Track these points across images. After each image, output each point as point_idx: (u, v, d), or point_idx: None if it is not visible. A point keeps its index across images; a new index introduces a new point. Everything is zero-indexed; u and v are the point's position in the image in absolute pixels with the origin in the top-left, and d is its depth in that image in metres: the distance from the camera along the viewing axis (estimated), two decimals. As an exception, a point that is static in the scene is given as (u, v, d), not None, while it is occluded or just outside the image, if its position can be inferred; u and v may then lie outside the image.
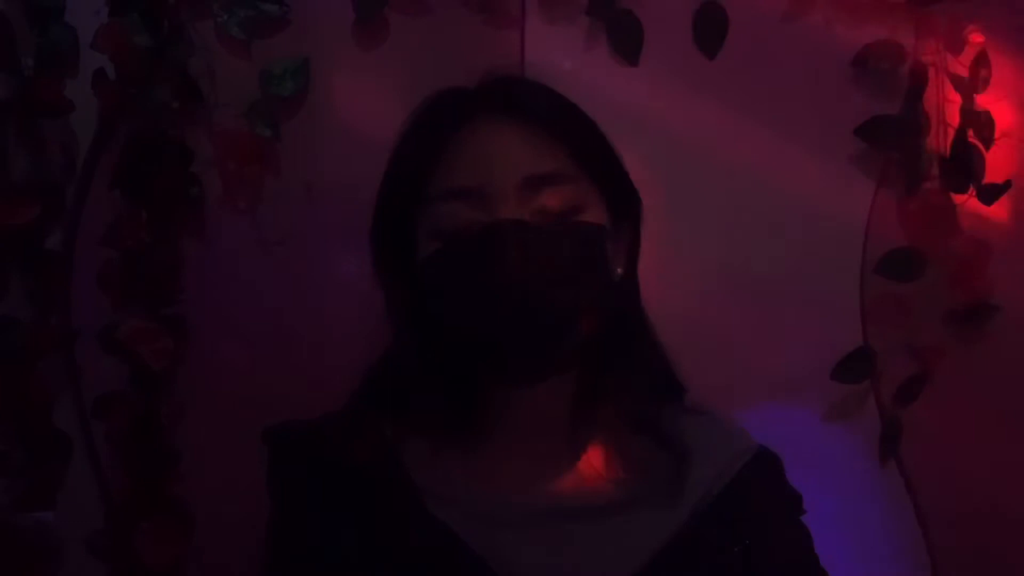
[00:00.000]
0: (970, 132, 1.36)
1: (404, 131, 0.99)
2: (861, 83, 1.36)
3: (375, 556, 0.91)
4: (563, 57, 1.31)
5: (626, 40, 1.33)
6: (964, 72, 1.36)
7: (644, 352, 0.99)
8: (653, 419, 0.97)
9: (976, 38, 1.37)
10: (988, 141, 1.37)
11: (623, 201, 0.98)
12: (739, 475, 0.97)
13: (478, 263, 0.88)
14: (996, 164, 1.37)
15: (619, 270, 0.97)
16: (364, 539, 0.92)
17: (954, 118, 1.36)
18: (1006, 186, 1.37)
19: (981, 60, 1.36)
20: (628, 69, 1.33)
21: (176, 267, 1.27)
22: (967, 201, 1.37)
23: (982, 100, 1.37)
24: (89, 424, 1.28)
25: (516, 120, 0.93)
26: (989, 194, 1.37)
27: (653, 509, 0.94)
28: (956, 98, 1.36)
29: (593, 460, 0.96)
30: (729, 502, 0.95)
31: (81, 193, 1.28)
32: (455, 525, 0.92)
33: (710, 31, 1.33)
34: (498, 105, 0.94)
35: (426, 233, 0.93)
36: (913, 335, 1.37)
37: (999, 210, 1.38)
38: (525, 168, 0.91)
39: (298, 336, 1.30)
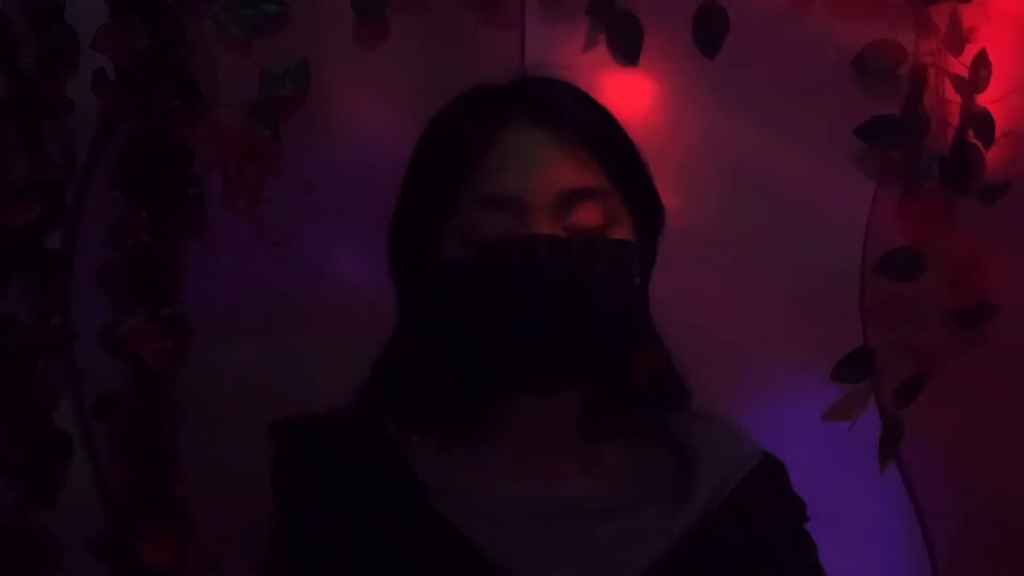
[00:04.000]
0: (970, 132, 1.36)
1: (434, 131, 0.97)
2: (861, 83, 1.36)
3: (380, 553, 0.91)
4: (563, 57, 1.31)
5: (626, 40, 1.33)
6: (964, 72, 1.36)
7: (651, 358, 0.99)
8: (660, 424, 0.97)
9: (976, 38, 1.37)
10: (988, 141, 1.37)
11: (650, 215, 0.98)
12: (744, 481, 0.97)
13: (509, 275, 0.88)
14: (996, 164, 1.37)
15: (637, 278, 0.97)
16: (369, 536, 0.92)
17: (954, 118, 1.36)
18: (1006, 186, 1.37)
19: (981, 60, 1.36)
20: (628, 69, 1.33)
21: (176, 267, 1.27)
22: (967, 201, 1.37)
23: (982, 100, 1.37)
24: (89, 424, 1.28)
25: (556, 129, 0.92)
26: (989, 194, 1.37)
27: (658, 513, 0.94)
28: (956, 98, 1.36)
29: (600, 462, 0.96)
30: (734, 508, 0.95)
31: (81, 193, 1.28)
32: (461, 523, 0.92)
33: (710, 31, 1.33)
34: (536, 111, 0.93)
35: (454, 236, 0.92)
36: (913, 335, 1.37)
37: (999, 210, 1.38)
38: (564, 182, 0.90)
39: (299, 336, 1.30)
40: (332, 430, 0.98)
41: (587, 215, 0.91)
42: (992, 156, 1.37)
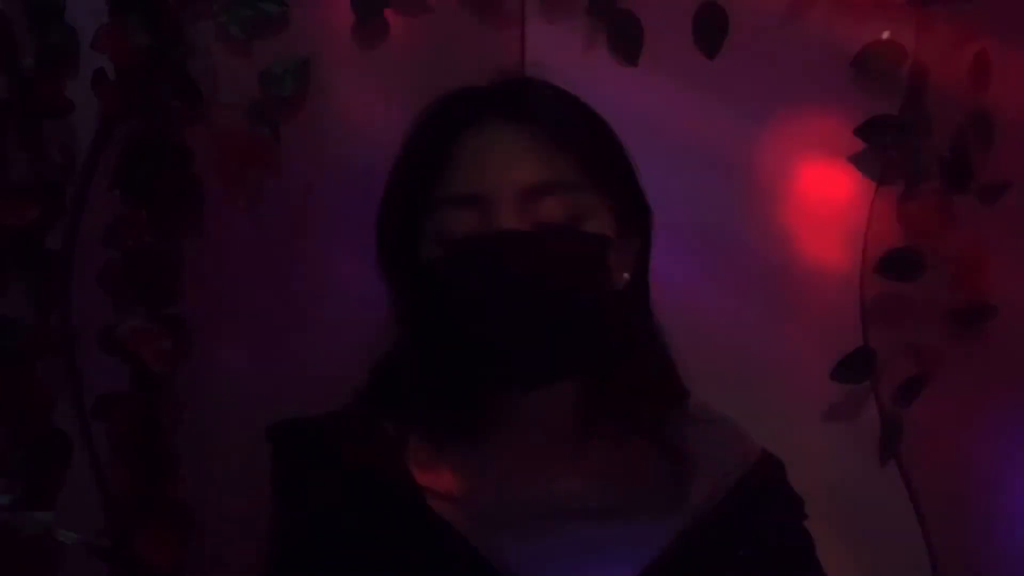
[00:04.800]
0: (970, 132, 1.36)
1: (411, 132, 0.98)
2: (861, 83, 1.36)
3: (377, 554, 0.92)
4: (563, 57, 1.31)
5: (626, 40, 1.33)
6: (964, 72, 1.36)
7: (648, 358, 0.99)
8: (656, 424, 0.97)
9: (976, 38, 1.37)
10: (988, 141, 1.37)
11: (632, 211, 0.98)
12: (742, 480, 0.97)
13: (475, 271, 0.89)
14: (996, 164, 1.37)
15: (626, 275, 0.97)
16: (366, 537, 0.92)
17: (954, 118, 1.36)
18: (1006, 186, 1.37)
19: (981, 60, 1.36)
20: (628, 69, 1.33)
21: (176, 267, 1.27)
22: (967, 201, 1.37)
23: (982, 100, 1.37)
24: (89, 424, 1.28)
25: (524, 126, 0.93)
26: (989, 194, 1.37)
27: (655, 513, 0.94)
28: (956, 98, 1.36)
29: (596, 463, 0.96)
30: (732, 507, 0.95)
31: (81, 193, 1.28)
32: (457, 524, 0.92)
33: (710, 31, 1.33)
34: (507, 109, 0.94)
35: (430, 237, 0.93)
36: (913, 335, 1.37)
37: (999, 210, 1.38)
38: (527, 177, 0.91)
39: (298, 336, 1.30)
40: (330, 431, 0.98)
41: (554, 209, 0.91)
42: (992, 156, 1.37)
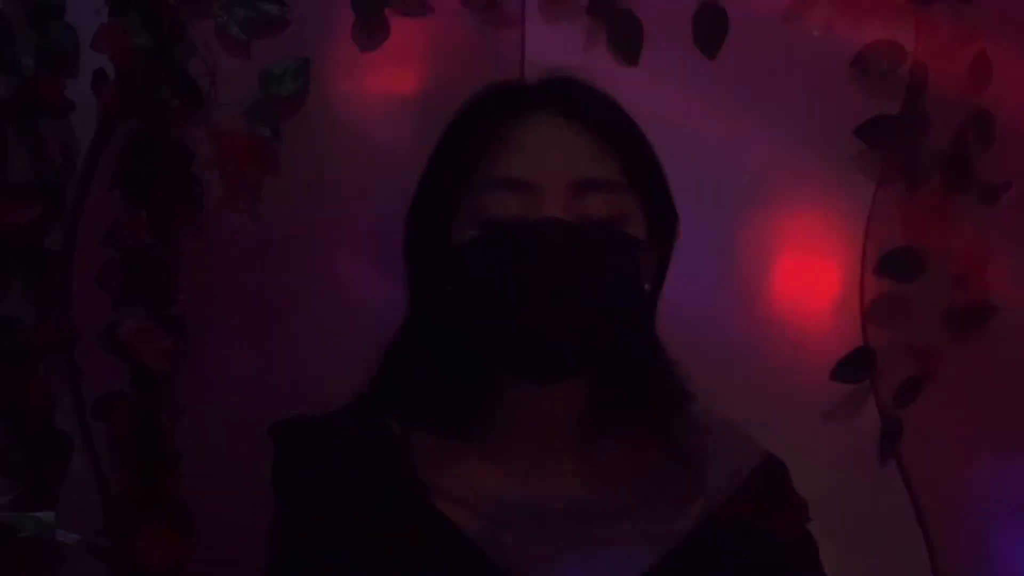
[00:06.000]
0: (970, 132, 1.36)
1: (457, 116, 0.98)
2: (861, 83, 1.36)
3: (381, 553, 0.91)
4: (563, 57, 1.31)
5: (626, 40, 1.33)
6: (964, 72, 1.36)
7: (656, 361, 0.99)
8: (662, 426, 0.98)
9: (976, 38, 1.37)
10: (988, 141, 1.37)
11: (663, 218, 0.98)
12: (745, 482, 0.97)
13: (516, 256, 0.89)
14: (996, 164, 1.37)
15: (647, 285, 0.97)
16: (370, 536, 0.92)
17: (954, 118, 1.36)
18: (1006, 186, 1.37)
19: (981, 60, 1.36)
20: (628, 69, 1.33)
21: (176, 267, 1.27)
22: (967, 201, 1.37)
23: (982, 100, 1.37)
24: (89, 424, 1.28)
25: (575, 121, 0.93)
26: (989, 194, 1.37)
27: (660, 515, 0.94)
28: (956, 98, 1.36)
29: (602, 464, 0.96)
30: (736, 510, 0.95)
31: (81, 193, 1.28)
32: (462, 523, 0.92)
33: (710, 31, 1.33)
34: (558, 104, 0.95)
35: (466, 220, 0.93)
36: (913, 335, 1.37)
37: (999, 210, 1.38)
38: (579, 170, 0.91)
39: (298, 336, 1.30)
40: (333, 430, 0.98)
41: (598, 206, 0.91)
42: (992, 156, 1.37)
